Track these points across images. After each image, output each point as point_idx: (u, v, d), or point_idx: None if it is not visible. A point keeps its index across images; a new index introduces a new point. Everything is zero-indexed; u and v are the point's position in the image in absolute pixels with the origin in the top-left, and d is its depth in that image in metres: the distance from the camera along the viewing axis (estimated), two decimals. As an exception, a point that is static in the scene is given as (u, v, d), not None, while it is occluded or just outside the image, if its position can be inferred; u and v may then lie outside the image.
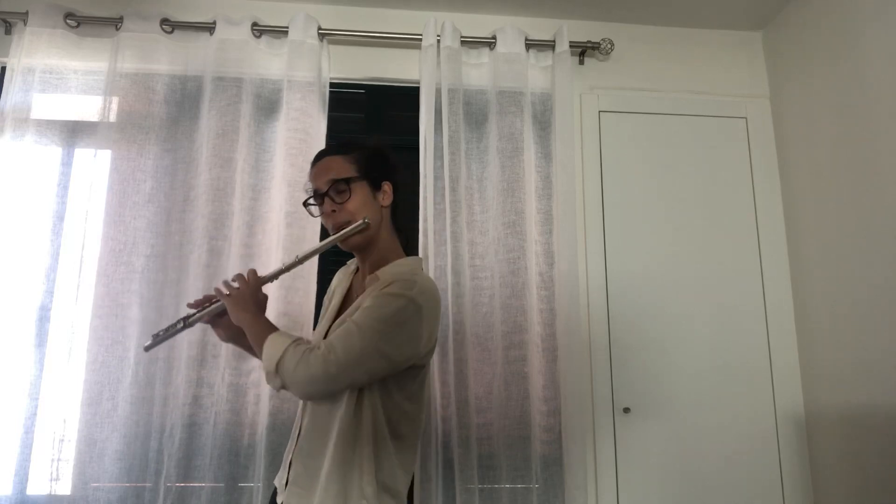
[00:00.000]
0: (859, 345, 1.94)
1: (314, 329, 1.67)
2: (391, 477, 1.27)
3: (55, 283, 1.98)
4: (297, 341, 1.25)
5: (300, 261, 1.40)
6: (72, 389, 1.90)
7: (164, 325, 1.94)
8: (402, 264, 1.38)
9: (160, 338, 1.39)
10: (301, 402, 1.40)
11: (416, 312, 1.25)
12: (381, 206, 1.40)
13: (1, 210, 1.99)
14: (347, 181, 1.35)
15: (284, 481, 1.33)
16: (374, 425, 1.26)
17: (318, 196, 1.37)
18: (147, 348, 1.41)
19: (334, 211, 1.35)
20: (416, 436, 1.36)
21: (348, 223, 1.34)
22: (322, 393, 1.25)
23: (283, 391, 1.25)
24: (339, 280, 1.54)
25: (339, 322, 1.32)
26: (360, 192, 1.36)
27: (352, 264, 1.54)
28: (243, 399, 1.95)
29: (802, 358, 2.21)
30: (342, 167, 1.36)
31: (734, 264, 2.27)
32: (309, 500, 1.24)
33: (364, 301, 1.29)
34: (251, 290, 1.34)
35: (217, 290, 1.37)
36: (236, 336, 1.42)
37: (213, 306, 1.37)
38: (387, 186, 1.41)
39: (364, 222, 1.34)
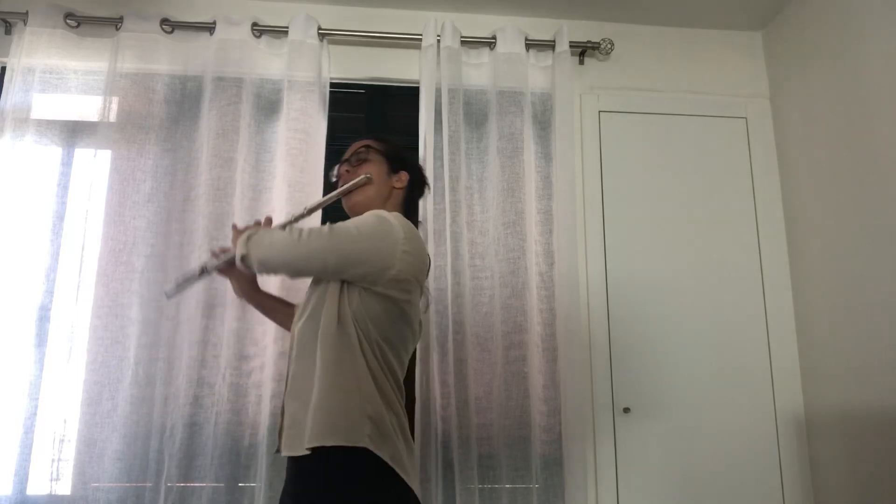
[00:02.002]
0: (859, 345, 1.94)
1: None
2: (387, 395, 1.29)
3: (55, 283, 1.97)
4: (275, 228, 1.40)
5: (308, 212, 1.52)
6: (72, 389, 1.90)
7: (165, 325, 1.96)
8: (378, 211, 1.46)
9: (180, 286, 1.51)
10: (287, 357, 1.41)
11: (389, 232, 1.31)
12: (393, 187, 1.51)
13: (1, 210, 1.99)
14: (368, 149, 1.51)
15: (279, 430, 1.33)
16: (367, 364, 1.27)
17: (341, 164, 1.53)
18: (169, 295, 1.54)
19: (347, 171, 1.50)
20: (403, 370, 1.39)
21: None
22: (274, 256, 1.30)
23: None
24: None
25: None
26: (376, 164, 1.50)
27: None
28: (244, 399, 1.94)
29: (802, 358, 2.21)
30: (370, 148, 1.52)
31: (734, 264, 2.27)
32: (301, 440, 1.23)
33: None
34: (262, 226, 1.45)
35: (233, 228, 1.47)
36: (251, 292, 1.59)
37: (229, 253, 1.45)
38: (403, 175, 1.53)
39: (365, 177, 1.46)
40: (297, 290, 1.94)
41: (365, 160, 1.50)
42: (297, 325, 1.36)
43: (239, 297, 1.63)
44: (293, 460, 1.29)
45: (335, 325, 1.28)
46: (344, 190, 1.47)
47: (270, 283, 1.85)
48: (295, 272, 1.35)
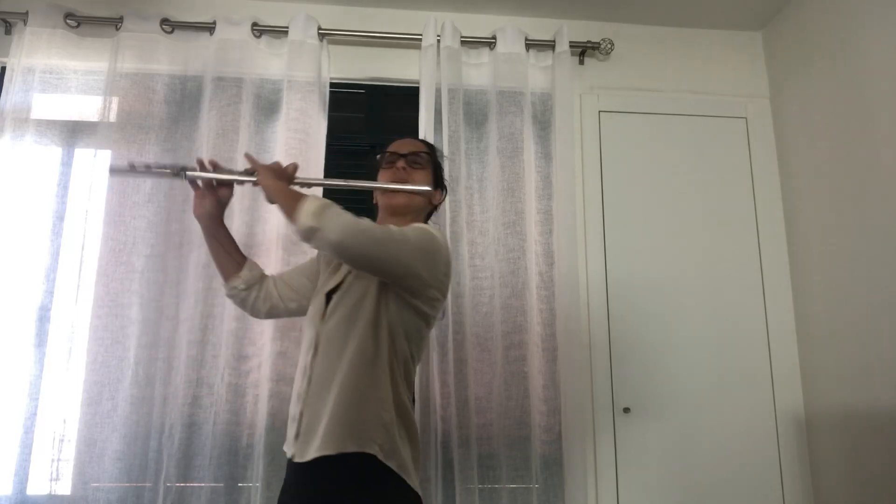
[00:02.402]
0: (859, 345, 1.94)
1: None
2: (403, 404, 1.32)
3: (55, 283, 1.97)
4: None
5: (345, 186, 1.56)
6: (72, 389, 1.90)
7: (165, 325, 1.96)
8: (420, 224, 1.51)
9: (139, 170, 1.52)
10: (306, 355, 1.37)
11: (440, 253, 1.36)
12: (430, 201, 1.54)
13: (1, 210, 1.99)
14: (428, 156, 1.53)
15: (294, 435, 1.31)
16: (389, 373, 1.30)
17: (396, 156, 1.49)
18: (113, 170, 1.56)
19: (404, 168, 1.47)
20: (411, 398, 1.40)
21: (403, 182, 1.46)
22: (356, 245, 1.24)
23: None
24: None
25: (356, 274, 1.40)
26: (427, 175, 1.52)
27: None
28: (242, 399, 1.94)
29: (802, 358, 2.21)
30: (429, 152, 1.55)
31: (734, 264, 2.27)
32: (318, 445, 1.24)
33: None
34: (286, 174, 1.43)
35: (249, 156, 1.48)
36: (212, 215, 1.53)
37: (233, 174, 1.47)
38: (439, 193, 1.58)
39: (429, 189, 1.48)
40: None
41: (421, 167, 1.50)
42: (326, 324, 1.35)
43: (196, 216, 1.54)
44: (299, 463, 1.28)
45: (371, 330, 1.31)
46: (408, 190, 1.46)
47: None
48: (373, 268, 1.30)
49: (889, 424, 1.81)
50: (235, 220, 2.03)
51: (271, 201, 1.38)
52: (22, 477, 1.86)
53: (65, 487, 1.86)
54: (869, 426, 1.89)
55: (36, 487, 1.87)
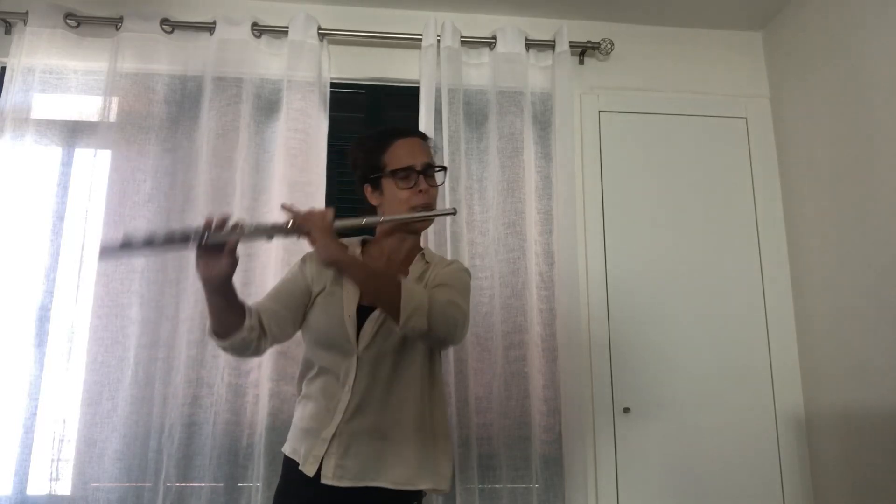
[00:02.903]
0: (859, 345, 1.94)
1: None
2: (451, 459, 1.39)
3: (55, 283, 1.97)
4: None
5: (386, 221, 1.37)
6: (72, 389, 1.90)
7: (165, 325, 1.96)
8: (427, 249, 1.51)
9: (137, 245, 1.17)
10: (339, 376, 1.32)
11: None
12: None
13: (1, 210, 1.99)
14: (444, 170, 1.52)
15: (320, 455, 1.28)
16: (441, 396, 1.39)
17: (413, 173, 1.39)
18: (103, 252, 1.30)
19: (430, 189, 1.42)
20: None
21: (427, 206, 1.41)
22: (460, 339, 1.32)
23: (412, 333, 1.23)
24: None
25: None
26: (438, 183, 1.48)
27: (347, 242, 1.43)
28: (243, 399, 1.94)
29: (802, 358, 2.21)
30: (432, 156, 1.47)
31: (734, 264, 2.27)
32: (377, 479, 1.29)
33: (437, 277, 1.37)
34: (329, 224, 1.24)
35: (292, 210, 1.24)
36: (227, 276, 1.23)
37: (271, 228, 1.24)
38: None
39: (453, 210, 1.55)
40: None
41: (435, 178, 1.45)
42: (372, 348, 1.32)
43: (205, 278, 1.22)
44: (338, 487, 1.27)
45: (427, 354, 1.38)
46: (438, 214, 1.47)
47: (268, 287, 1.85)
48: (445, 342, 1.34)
49: (889, 424, 1.81)
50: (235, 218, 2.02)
51: (339, 270, 1.29)
52: (22, 477, 1.86)
53: (65, 487, 1.87)
54: (869, 426, 1.89)
55: (36, 487, 1.87)
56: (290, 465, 1.36)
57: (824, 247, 2.11)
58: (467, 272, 1.43)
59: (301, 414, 1.40)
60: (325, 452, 1.29)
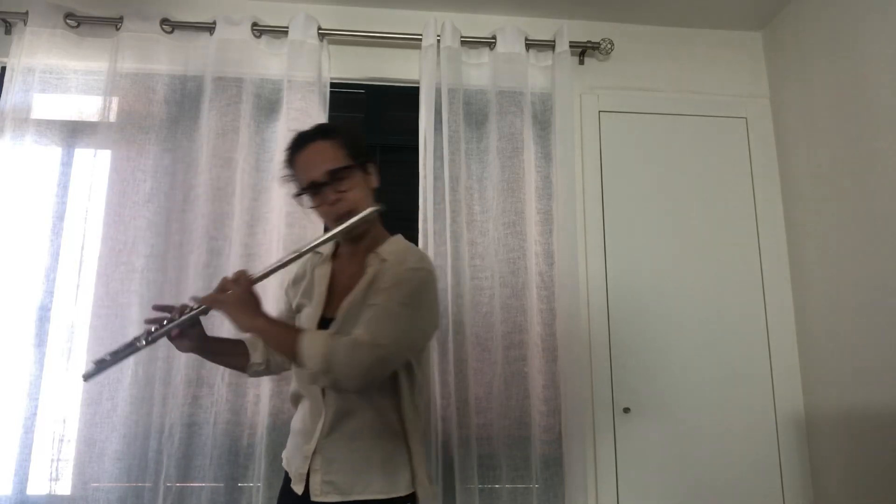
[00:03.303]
0: (859, 346, 1.94)
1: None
2: (426, 461, 1.34)
3: (55, 283, 1.98)
4: (332, 334, 1.23)
5: (300, 255, 1.32)
6: (72, 389, 1.90)
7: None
8: (398, 241, 1.39)
9: (108, 362, 1.29)
10: (314, 393, 1.33)
11: (433, 281, 1.30)
12: (371, 189, 1.39)
13: (1, 210, 1.99)
14: (348, 169, 1.31)
15: (304, 472, 1.28)
16: (410, 405, 1.30)
17: (316, 186, 1.31)
18: (86, 377, 1.31)
19: (338, 200, 1.31)
20: (424, 404, 1.41)
21: (349, 212, 1.31)
22: (377, 380, 1.24)
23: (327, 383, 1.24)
24: (311, 270, 1.46)
25: (355, 307, 1.28)
26: (357, 180, 1.34)
27: (323, 251, 1.46)
28: (243, 399, 1.95)
29: (802, 358, 2.21)
30: (335, 154, 1.32)
31: (734, 264, 2.27)
32: (353, 492, 1.25)
33: (381, 281, 1.27)
34: (248, 292, 1.28)
35: (203, 299, 1.29)
36: (199, 346, 1.37)
37: (186, 316, 1.29)
38: (372, 168, 1.39)
39: (376, 210, 1.32)
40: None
41: (345, 177, 1.31)
42: None
43: (185, 352, 1.39)
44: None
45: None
46: (359, 221, 1.30)
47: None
48: (370, 386, 1.25)
49: (889, 424, 1.81)
50: (236, 219, 2.03)
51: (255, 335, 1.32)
52: (22, 477, 1.86)
53: (65, 487, 1.87)
54: (869, 426, 1.89)
55: (36, 487, 1.87)
56: (286, 477, 1.38)
57: (824, 247, 2.11)
58: (420, 269, 1.28)
59: (291, 428, 1.42)
60: (310, 469, 1.28)
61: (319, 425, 1.29)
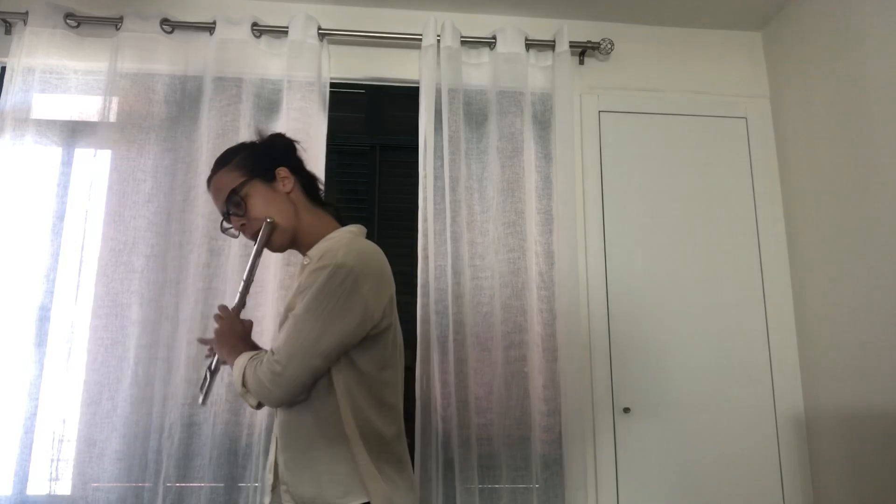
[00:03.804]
0: (859, 345, 1.94)
1: None
2: (390, 454, 1.24)
3: (55, 283, 1.97)
4: (254, 356, 1.22)
5: (246, 285, 1.34)
6: (72, 389, 1.90)
7: (165, 325, 1.96)
8: (330, 238, 1.30)
9: (208, 388, 1.37)
10: None
11: (347, 276, 1.16)
12: (287, 193, 1.31)
13: (1, 210, 1.99)
14: (236, 191, 1.27)
15: (271, 484, 1.29)
16: (350, 406, 1.20)
17: (226, 218, 1.31)
18: (203, 402, 1.39)
19: (244, 224, 1.29)
20: (400, 399, 1.31)
21: (255, 236, 1.29)
22: (287, 396, 1.18)
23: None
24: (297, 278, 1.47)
25: (282, 315, 1.29)
26: (256, 194, 1.28)
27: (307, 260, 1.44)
28: (242, 399, 1.94)
29: (802, 358, 2.21)
30: (229, 179, 1.29)
31: (734, 264, 2.27)
32: (306, 497, 1.20)
33: (298, 288, 1.24)
34: (228, 324, 1.33)
35: (207, 345, 1.39)
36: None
37: (214, 368, 1.37)
38: (282, 172, 1.32)
39: (268, 222, 1.27)
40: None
41: (243, 203, 1.27)
42: None
43: None
44: None
45: (324, 380, 1.21)
46: (258, 250, 1.29)
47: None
48: (293, 400, 1.21)
49: (889, 424, 1.81)
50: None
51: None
52: (22, 477, 1.86)
53: (65, 487, 1.87)
54: (869, 426, 1.89)
55: (36, 487, 1.87)
56: None
57: (824, 247, 2.11)
58: (326, 265, 1.17)
59: None
60: (275, 481, 1.28)
61: (275, 436, 1.30)
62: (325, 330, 1.15)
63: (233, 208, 1.28)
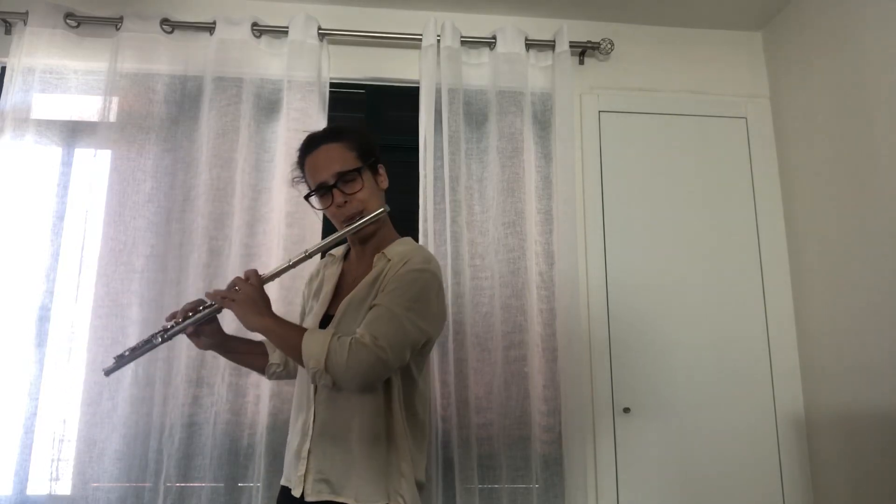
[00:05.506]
0: (859, 345, 1.94)
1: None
2: (419, 469, 1.32)
3: (55, 283, 1.98)
4: (336, 335, 1.22)
5: (308, 255, 1.33)
6: (72, 389, 1.90)
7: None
8: (406, 242, 1.41)
9: (126, 357, 1.32)
10: (306, 393, 1.34)
11: (439, 284, 1.31)
12: (382, 190, 1.42)
13: (1, 210, 1.99)
14: (358, 171, 1.34)
15: (302, 474, 1.28)
16: (401, 409, 1.28)
17: (325, 188, 1.34)
18: (107, 372, 1.34)
19: (345, 202, 1.34)
20: (428, 413, 1.38)
21: (359, 213, 1.34)
22: (378, 381, 1.24)
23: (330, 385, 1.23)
24: (323, 270, 1.50)
25: (354, 305, 1.29)
26: (366, 180, 1.36)
27: (336, 253, 1.51)
28: (243, 399, 1.94)
29: (802, 358, 2.21)
30: (345, 156, 1.34)
31: (734, 264, 2.27)
32: (342, 493, 1.24)
33: (385, 282, 1.28)
34: (258, 291, 1.28)
35: (214, 295, 1.30)
36: (218, 343, 1.42)
37: (201, 314, 1.31)
38: (382, 169, 1.42)
39: (385, 210, 1.35)
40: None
41: (353, 179, 1.34)
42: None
43: (204, 349, 1.43)
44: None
45: None
46: (361, 225, 1.33)
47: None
48: (374, 388, 1.26)
49: (889, 424, 1.81)
50: (236, 218, 2.03)
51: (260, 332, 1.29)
52: (22, 477, 1.86)
53: (65, 487, 1.87)
54: (869, 426, 1.89)
55: (36, 487, 1.87)
56: (283, 492, 1.37)
57: (824, 247, 2.11)
58: (425, 270, 1.28)
59: (288, 441, 1.41)
60: (307, 469, 1.28)
61: (311, 424, 1.30)
62: (423, 329, 1.26)
63: (346, 185, 1.33)
